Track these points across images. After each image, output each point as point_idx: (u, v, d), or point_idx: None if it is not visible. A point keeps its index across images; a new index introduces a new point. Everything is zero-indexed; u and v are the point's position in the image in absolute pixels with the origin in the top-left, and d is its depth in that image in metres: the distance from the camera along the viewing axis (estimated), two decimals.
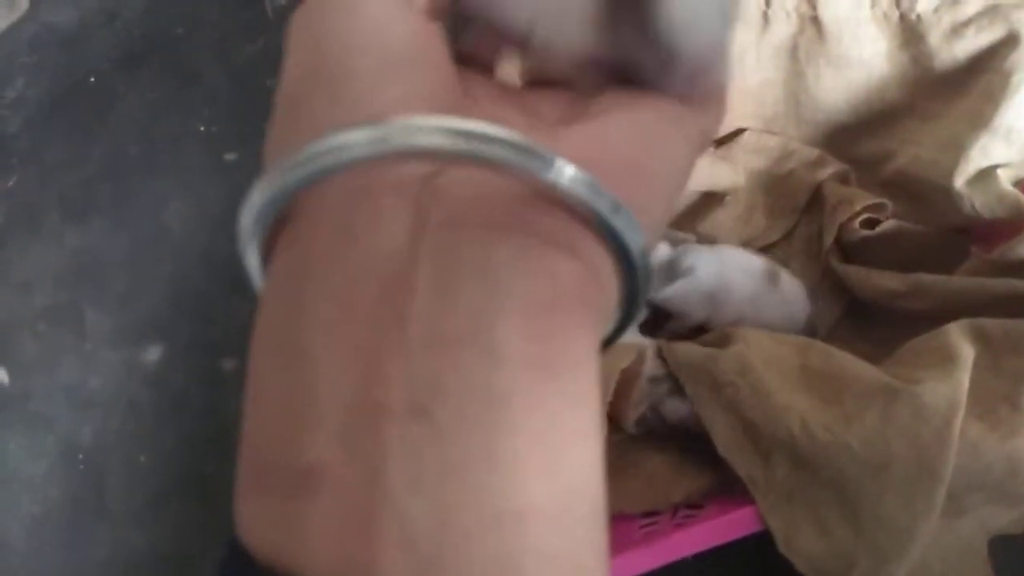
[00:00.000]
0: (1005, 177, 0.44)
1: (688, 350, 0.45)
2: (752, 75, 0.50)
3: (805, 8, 0.47)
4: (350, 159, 0.15)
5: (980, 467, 0.36)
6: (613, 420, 0.47)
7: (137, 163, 0.69)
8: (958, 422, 0.34)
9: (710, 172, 0.52)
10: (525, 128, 0.18)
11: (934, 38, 0.46)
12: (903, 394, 0.36)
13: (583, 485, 0.15)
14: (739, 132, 0.53)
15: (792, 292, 0.49)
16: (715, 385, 0.42)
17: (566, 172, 0.15)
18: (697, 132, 0.20)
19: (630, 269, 0.17)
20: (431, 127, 0.15)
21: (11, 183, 0.71)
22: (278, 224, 0.17)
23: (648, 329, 0.50)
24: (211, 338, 0.63)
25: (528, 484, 0.14)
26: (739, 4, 0.24)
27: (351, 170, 0.15)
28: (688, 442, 0.46)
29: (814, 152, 0.53)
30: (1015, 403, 0.37)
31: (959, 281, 0.44)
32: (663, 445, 0.47)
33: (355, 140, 0.15)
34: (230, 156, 0.68)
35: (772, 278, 0.48)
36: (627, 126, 0.19)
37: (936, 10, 0.46)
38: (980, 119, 0.44)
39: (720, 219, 0.54)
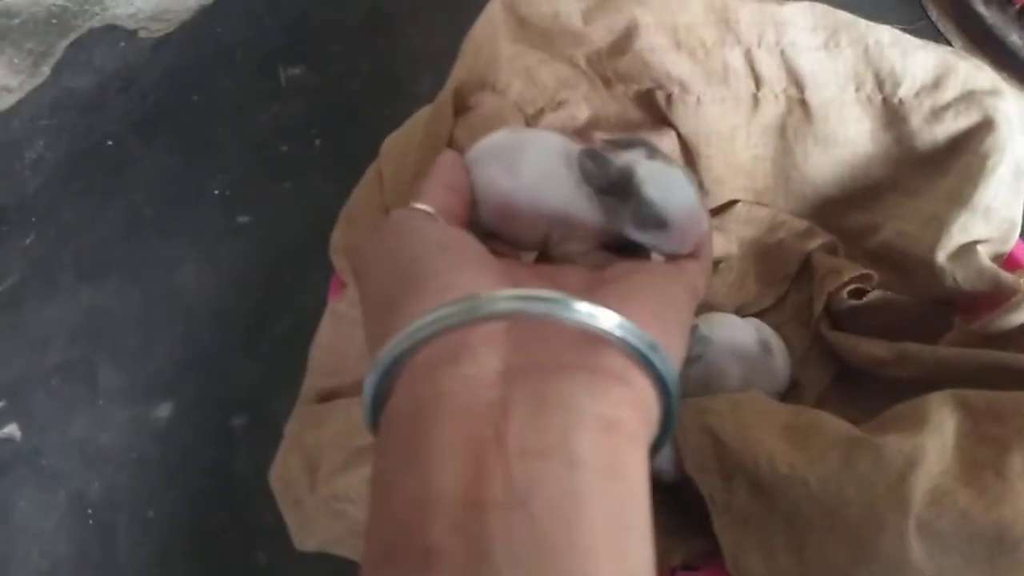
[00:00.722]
0: (984, 253, 0.46)
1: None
2: (743, 152, 0.52)
3: (793, 91, 0.50)
4: (447, 326, 0.20)
5: (968, 534, 0.37)
6: None
7: (152, 224, 0.72)
8: (915, 480, 0.36)
9: None
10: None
11: (915, 121, 0.49)
12: (865, 444, 0.37)
13: (641, 568, 0.19)
14: (732, 204, 0.56)
15: (780, 362, 0.51)
16: (702, 411, 0.44)
17: (613, 320, 0.21)
18: (691, 284, 0.28)
19: (666, 393, 0.22)
20: (507, 296, 0.20)
21: (29, 241, 0.74)
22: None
23: None
24: (220, 396, 0.65)
25: (601, 566, 0.18)
26: (695, 178, 0.33)
27: (448, 334, 0.20)
28: (686, 504, 0.47)
29: (803, 223, 0.55)
30: (1000, 472, 0.38)
31: (943, 351, 0.46)
32: (661, 506, 0.48)
33: (451, 312, 0.20)
34: (243, 219, 0.71)
35: (764, 349, 0.50)
36: (643, 287, 0.25)
37: (917, 95, 0.49)
38: (960, 198, 0.47)
39: (715, 286, 0.56)
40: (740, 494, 0.40)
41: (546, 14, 0.49)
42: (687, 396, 0.50)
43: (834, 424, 0.40)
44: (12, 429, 0.67)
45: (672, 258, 0.32)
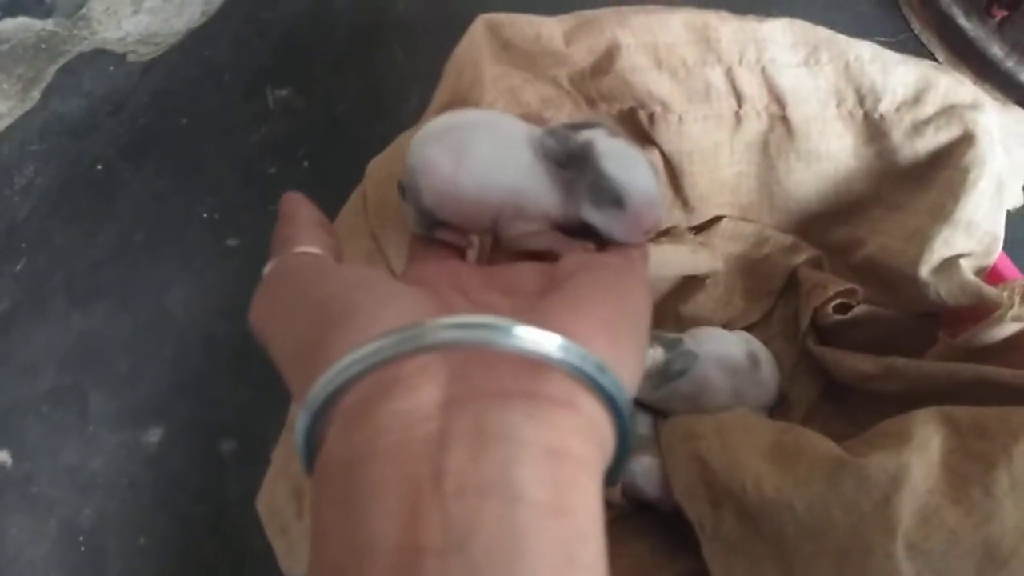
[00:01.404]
0: (967, 267, 0.46)
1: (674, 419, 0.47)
2: (727, 169, 0.53)
3: (775, 108, 0.50)
4: (380, 361, 0.19)
5: (957, 553, 0.37)
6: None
7: (142, 248, 0.72)
8: (900, 500, 0.36)
9: (691, 257, 0.54)
10: (511, 309, 0.24)
11: (897, 136, 0.49)
12: (849, 465, 0.37)
13: None
14: (717, 220, 0.56)
15: (769, 374, 0.51)
16: (689, 436, 0.44)
17: (555, 343, 0.19)
18: (644, 281, 0.26)
19: (619, 414, 0.21)
20: (441, 325, 0.19)
21: (19, 267, 0.74)
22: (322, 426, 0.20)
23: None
24: (210, 420, 0.64)
25: None
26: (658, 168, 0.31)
27: (380, 370, 0.19)
28: (675, 525, 0.47)
29: (789, 238, 0.55)
30: (988, 489, 0.38)
31: (928, 366, 0.46)
32: (650, 527, 0.48)
33: (383, 345, 0.19)
34: (232, 242, 0.71)
35: (753, 361, 0.50)
36: (593, 289, 0.23)
37: (898, 110, 0.49)
38: (942, 212, 0.47)
39: (701, 302, 0.56)
40: (728, 520, 0.40)
41: (528, 35, 0.49)
42: (674, 412, 0.50)
43: (819, 444, 0.40)
44: (3, 456, 0.67)
45: (622, 250, 0.30)
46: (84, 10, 0.82)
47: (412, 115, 0.52)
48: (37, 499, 0.65)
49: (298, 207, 0.28)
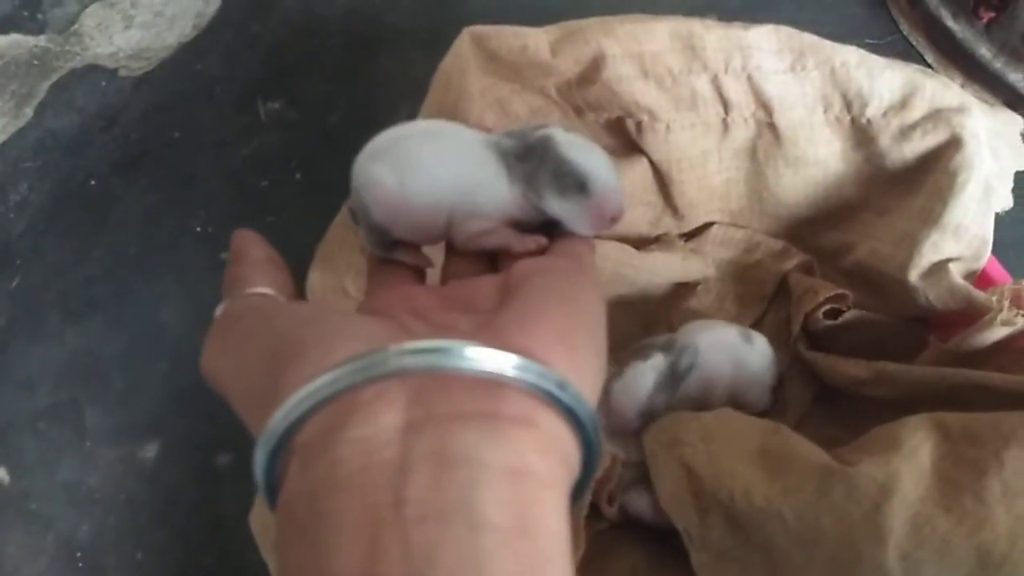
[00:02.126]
0: (956, 271, 0.46)
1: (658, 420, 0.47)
2: (715, 176, 0.53)
3: (761, 115, 0.50)
4: (337, 390, 0.19)
5: (950, 560, 0.37)
6: (592, 505, 0.48)
7: (136, 263, 0.72)
8: (890, 509, 0.36)
9: (682, 264, 0.54)
10: (470, 327, 0.23)
11: (884, 140, 0.49)
12: (838, 474, 0.37)
13: None
14: (708, 226, 0.56)
15: (763, 347, 0.51)
16: (674, 443, 0.43)
17: (511, 362, 0.19)
18: (595, 282, 0.26)
19: (581, 426, 0.21)
20: (396, 352, 0.19)
21: (15, 284, 0.74)
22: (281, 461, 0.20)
23: None
24: (206, 434, 0.64)
25: None
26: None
27: (337, 399, 0.19)
28: (668, 534, 0.47)
29: (779, 244, 0.55)
30: (980, 495, 0.38)
31: (919, 371, 0.46)
32: (643, 536, 0.48)
33: (339, 374, 0.19)
34: (225, 255, 0.71)
35: (746, 338, 0.50)
36: (546, 299, 0.23)
37: (885, 114, 0.49)
38: (930, 216, 0.47)
39: (693, 308, 0.57)
40: (716, 529, 0.40)
41: (515, 47, 0.49)
42: (675, 410, 0.50)
43: (806, 451, 0.40)
44: (1, 473, 0.67)
45: (568, 250, 0.29)
46: (76, 26, 0.82)
47: None
48: (35, 515, 0.65)
49: (249, 245, 0.27)
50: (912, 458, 0.38)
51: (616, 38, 0.48)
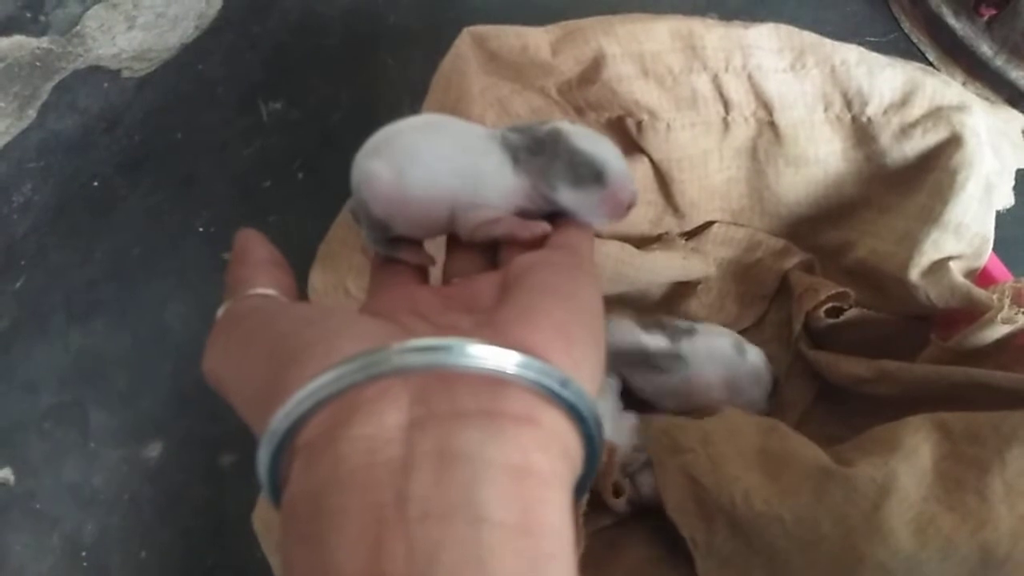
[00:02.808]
0: (957, 269, 0.46)
1: (660, 420, 0.47)
2: (716, 175, 0.53)
3: (762, 114, 0.50)
4: (339, 388, 0.19)
5: (954, 559, 0.37)
6: (598, 500, 0.48)
7: (139, 263, 0.72)
8: (889, 508, 0.36)
9: (683, 263, 0.54)
10: (471, 326, 0.23)
11: (885, 138, 0.49)
12: (837, 475, 0.37)
13: None
14: (708, 225, 0.56)
15: (756, 359, 0.51)
16: (676, 449, 0.44)
17: (512, 359, 0.19)
18: (593, 275, 0.26)
19: (583, 421, 0.21)
20: (398, 351, 0.19)
21: (18, 285, 0.74)
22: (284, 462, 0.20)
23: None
24: (210, 434, 0.65)
25: None
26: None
27: (340, 397, 0.19)
28: (674, 531, 0.47)
29: (780, 242, 0.55)
30: (983, 494, 0.38)
31: (920, 369, 0.46)
32: (649, 534, 0.48)
33: (342, 372, 0.19)
34: (228, 255, 0.71)
35: (739, 350, 0.50)
36: (544, 290, 0.23)
37: (885, 113, 0.49)
38: (931, 215, 0.47)
39: (694, 307, 0.57)
40: (720, 535, 0.40)
41: (515, 47, 0.49)
42: (667, 410, 0.50)
43: (804, 451, 0.40)
44: (6, 473, 0.67)
45: (566, 242, 0.29)
46: (78, 27, 0.82)
47: None
48: (40, 516, 0.65)
49: (251, 245, 0.27)
50: (911, 458, 0.38)
51: (616, 37, 0.49)
